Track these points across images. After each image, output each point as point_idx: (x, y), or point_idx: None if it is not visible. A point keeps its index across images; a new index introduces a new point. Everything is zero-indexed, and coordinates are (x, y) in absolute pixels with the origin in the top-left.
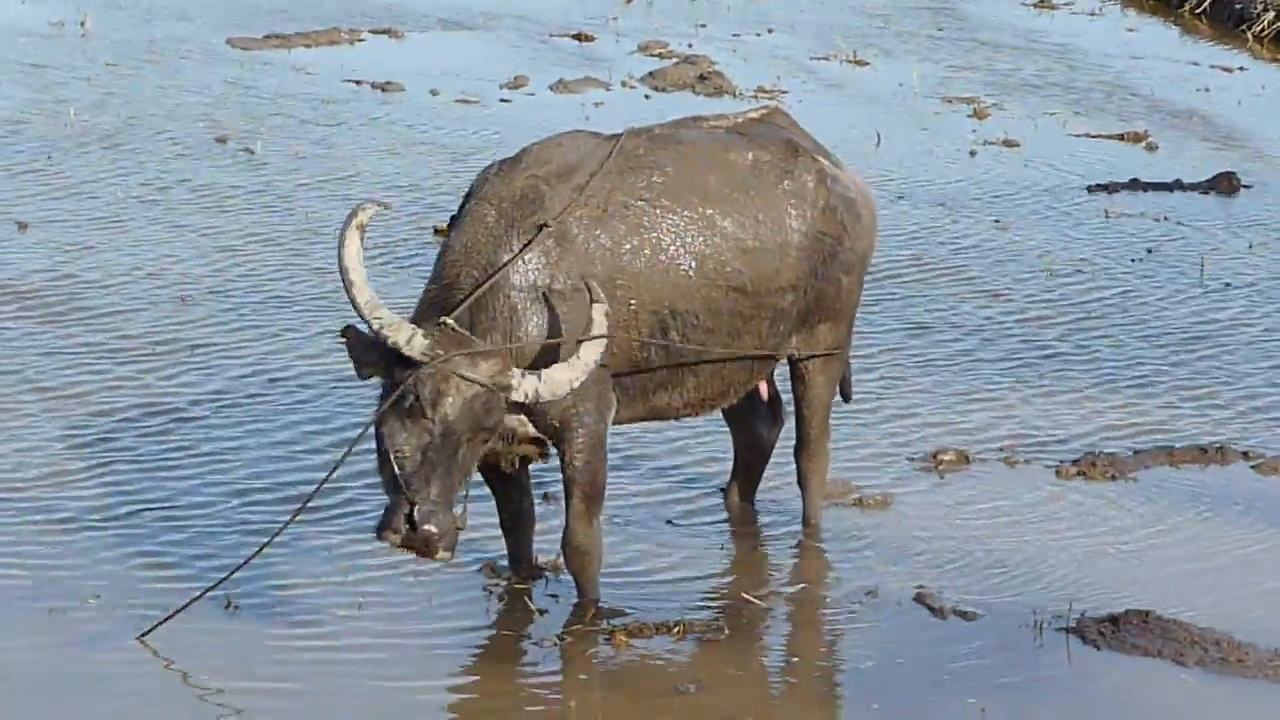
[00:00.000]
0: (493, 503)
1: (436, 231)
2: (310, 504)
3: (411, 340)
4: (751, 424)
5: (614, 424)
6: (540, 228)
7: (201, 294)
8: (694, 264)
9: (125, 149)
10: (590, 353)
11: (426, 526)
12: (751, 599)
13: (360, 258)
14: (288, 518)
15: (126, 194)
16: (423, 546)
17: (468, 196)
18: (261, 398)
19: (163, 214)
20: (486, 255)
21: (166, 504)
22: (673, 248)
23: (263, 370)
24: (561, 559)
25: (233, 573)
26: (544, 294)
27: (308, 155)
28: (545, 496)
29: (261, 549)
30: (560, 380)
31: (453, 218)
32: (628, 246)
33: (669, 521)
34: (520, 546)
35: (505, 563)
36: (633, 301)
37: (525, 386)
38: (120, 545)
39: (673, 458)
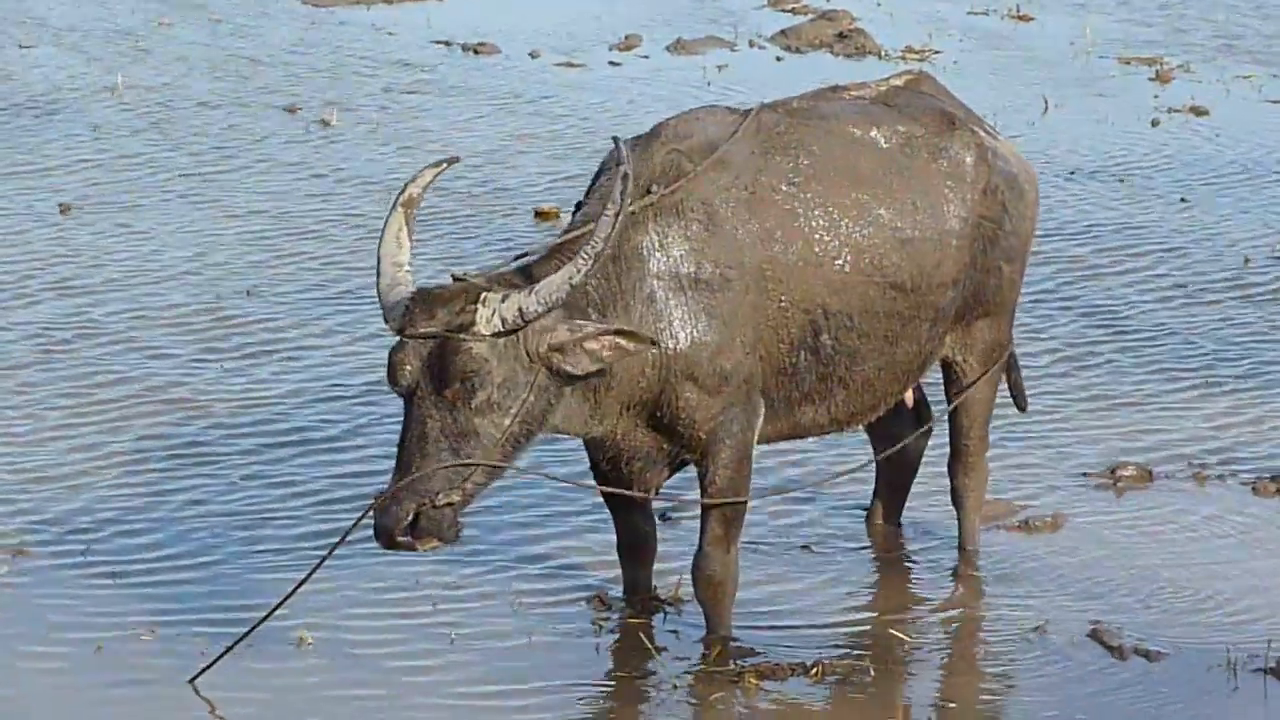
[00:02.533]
0: (590, 520)
1: (538, 215)
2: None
3: (391, 309)
4: (896, 432)
5: (759, 442)
6: (647, 190)
7: (266, 284)
8: (850, 257)
9: (179, 121)
10: (605, 228)
11: (380, 518)
12: (899, 636)
13: (399, 240)
14: (337, 539)
15: (181, 171)
16: (380, 541)
17: (598, 174)
18: (333, 404)
19: (222, 193)
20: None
21: (228, 529)
22: (826, 239)
23: (333, 371)
24: (680, 588)
25: (281, 602)
26: (688, 283)
27: (388, 126)
28: (664, 517)
29: (310, 573)
30: (558, 283)
31: (578, 204)
32: (779, 236)
33: (805, 547)
34: (638, 575)
35: (619, 593)
36: (783, 299)
37: (503, 311)
38: (176, 576)
39: (806, 472)
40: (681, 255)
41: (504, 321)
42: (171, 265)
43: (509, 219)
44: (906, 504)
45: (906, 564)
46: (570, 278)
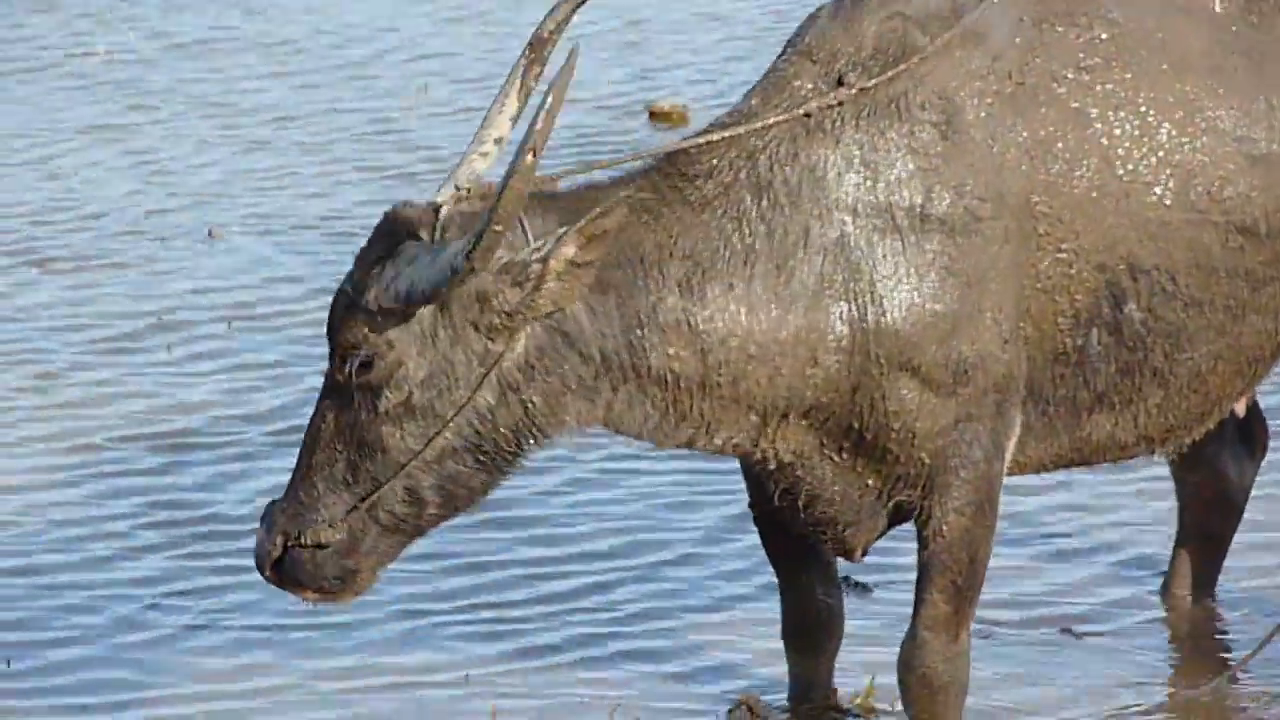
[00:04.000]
0: (739, 584)
1: (653, 116)
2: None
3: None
4: (1213, 458)
5: (1012, 472)
6: (839, 81)
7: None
8: (1172, 185)
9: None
10: (501, 199)
11: (257, 543)
12: None
13: (506, 99)
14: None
15: (198, 115)
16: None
17: (785, 50)
18: None
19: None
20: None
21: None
22: (1135, 156)
23: None
24: (873, 693)
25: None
26: (907, 220)
27: None
28: (855, 585)
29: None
30: (441, 264)
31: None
32: (1060, 151)
33: (1066, 630)
34: (813, 671)
35: (781, 698)
36: (1065, 248)
37: (396, 284)
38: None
39: (1058, 516)
40: (899, 178)
41: (395, 297)
42: None
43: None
44: (1223, 566)
45: (1224, 657)
46: (452, 261)
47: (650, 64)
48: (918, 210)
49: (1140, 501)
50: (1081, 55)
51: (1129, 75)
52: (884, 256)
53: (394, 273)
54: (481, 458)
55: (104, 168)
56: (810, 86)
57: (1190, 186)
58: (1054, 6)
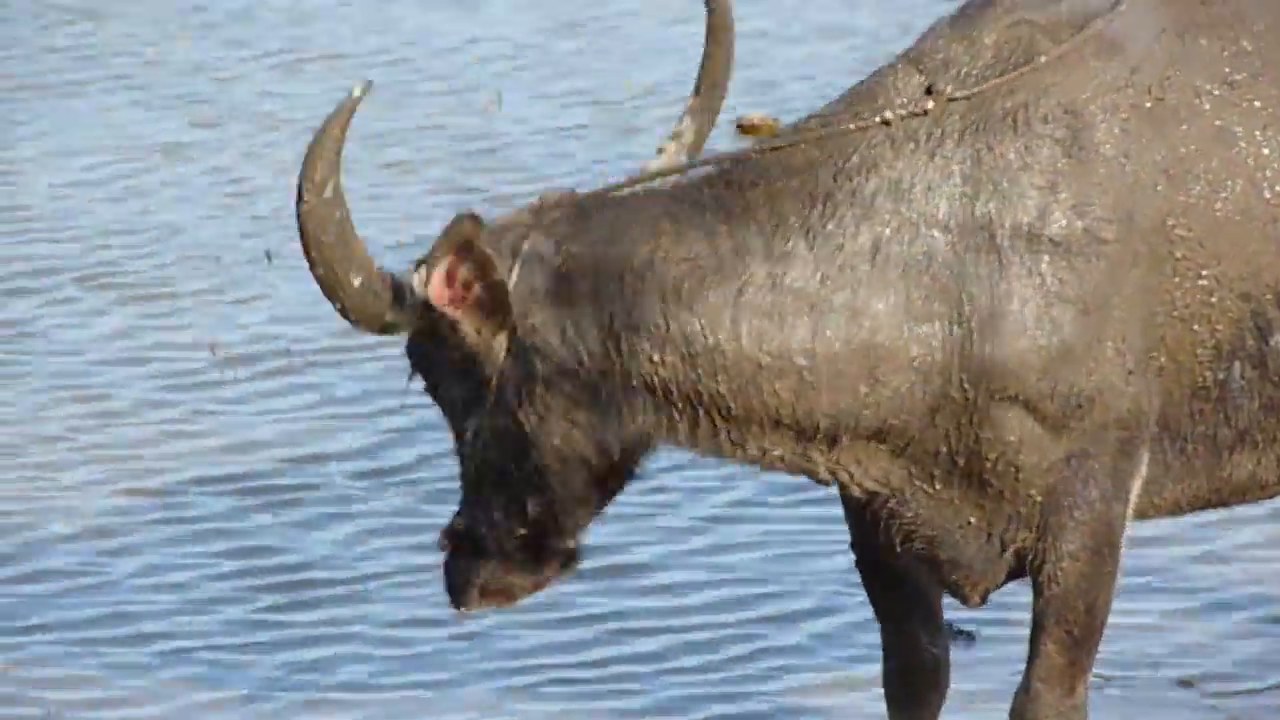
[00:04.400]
0: (839, 633)
1: (741, 129)
2: None
3: None
4: None
5: (1145, 514)
6: (928, 90)
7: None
8: None
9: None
10: None
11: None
12: None
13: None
14: None
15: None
16: None
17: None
18: None
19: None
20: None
21: None
22: None
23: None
24: None
25: None
26: (1017, 239)
27: None
28: (962, 634)
29: None
30: None
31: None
32: (1202, 172)
33: (1184, 683)
34: None
35: None
36: (1205, 273)
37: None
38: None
39: (1191, 567)
40: (1007, 195)
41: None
42: None
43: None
44: None
45: None
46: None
47: (764, 77)
48: (1025, 230)
49: None
50: (1227, 69)
51: (1276, 91)
52: (979, 277)
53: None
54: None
55: (177, 188)
56: (907, 99)
57: None
58: (1196, 16)
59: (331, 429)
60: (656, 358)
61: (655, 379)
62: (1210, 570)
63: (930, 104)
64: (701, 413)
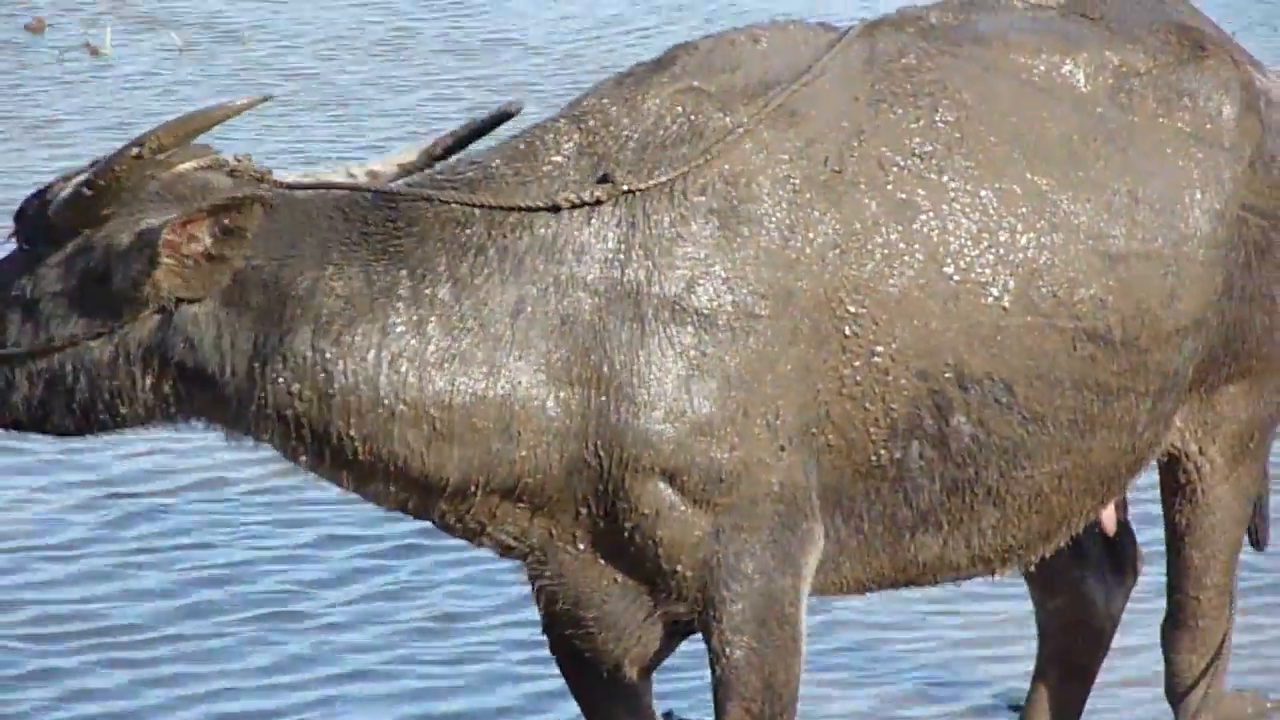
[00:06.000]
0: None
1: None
2: None
3: None
4: (1076, 581)
5: (826, 591)
6: (602, 179)
7: None
8: (1012, 285)
9: None
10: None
11: None
12: None
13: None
14: None
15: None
16: None
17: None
18: None
19: None
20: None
21: None
22: (969, 254)
23: None
24: None
25: None
26: (661, 311)
27: None
28: (670, 718)
29: None
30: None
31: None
32: (878, 245)
33: None
34: None
35: None
36: (879, 350)
37: None
38: None
39: (889, 636)
40: (657, 264)
41: (53, 196)
42: None
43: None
44: (1087, 695)
45: None
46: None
47: None
48: (671, 300)
49: None
50: (919, 140)
51: (971, 164)
52: (621, 344)
53: (84, 178)
54: (72, 404)
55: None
56: (566, 159)
57: (1033, 288)
58: (896, 86)
59: None
60: (295, 389)
61: (289, 411)
62: None
63: (601, 193)
64: (327, 452)
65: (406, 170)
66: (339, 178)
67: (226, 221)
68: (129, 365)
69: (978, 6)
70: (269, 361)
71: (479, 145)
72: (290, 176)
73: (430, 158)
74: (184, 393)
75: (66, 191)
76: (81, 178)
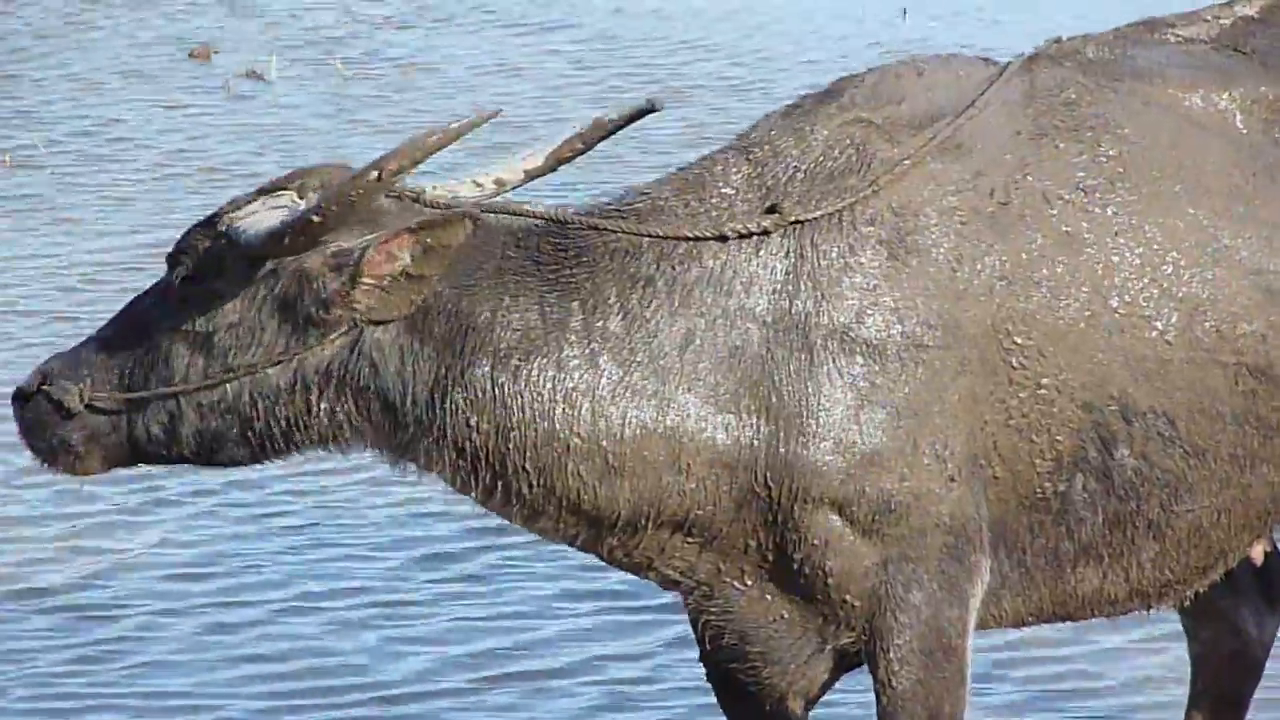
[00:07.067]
0: None
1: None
2: None
3: None
4: (1229, 612)
5: (986, 624)
6: (770, 209)
7: None
8: (1176, 320)
9: None
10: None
11: None
12: None
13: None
14: None
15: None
16: None
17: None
18: None
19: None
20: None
21: None
22: (1134, 287)
23: None
24: None
25: None
26: (831, 342)
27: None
28: None
29: None
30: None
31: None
32: (1044, 277)
33: None
34: None
35: None
36: (1045, 382)
37: None
38: None
39: (1038, 669)
40: (825, 295)
41: (231, 229)
42: None
43: None
44: None
45: None
46: (276, 226)
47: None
48: (840, 330)
49: None
50: (1082, 174)
51: (1134, 198)
52: (790, 375)
53: (253, 210)
54: (249, 432)
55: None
56: (734, 191)
57: (1196, 322)
58: (1057, 120)
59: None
60: (473, 421)
61: (467, 442)
62: None
63: (769, 224)
64: (499, 485)
65: (532, 175)
66: (487, 192)
67: (430, 240)
68: (306, 391)
69: (1132, 41)
70: (449, 392)
71: (649, 176)
72: (442, 194)
73: (558, 161)
74: (360, 419)
75: (277, 220)
76: (311, 204)
